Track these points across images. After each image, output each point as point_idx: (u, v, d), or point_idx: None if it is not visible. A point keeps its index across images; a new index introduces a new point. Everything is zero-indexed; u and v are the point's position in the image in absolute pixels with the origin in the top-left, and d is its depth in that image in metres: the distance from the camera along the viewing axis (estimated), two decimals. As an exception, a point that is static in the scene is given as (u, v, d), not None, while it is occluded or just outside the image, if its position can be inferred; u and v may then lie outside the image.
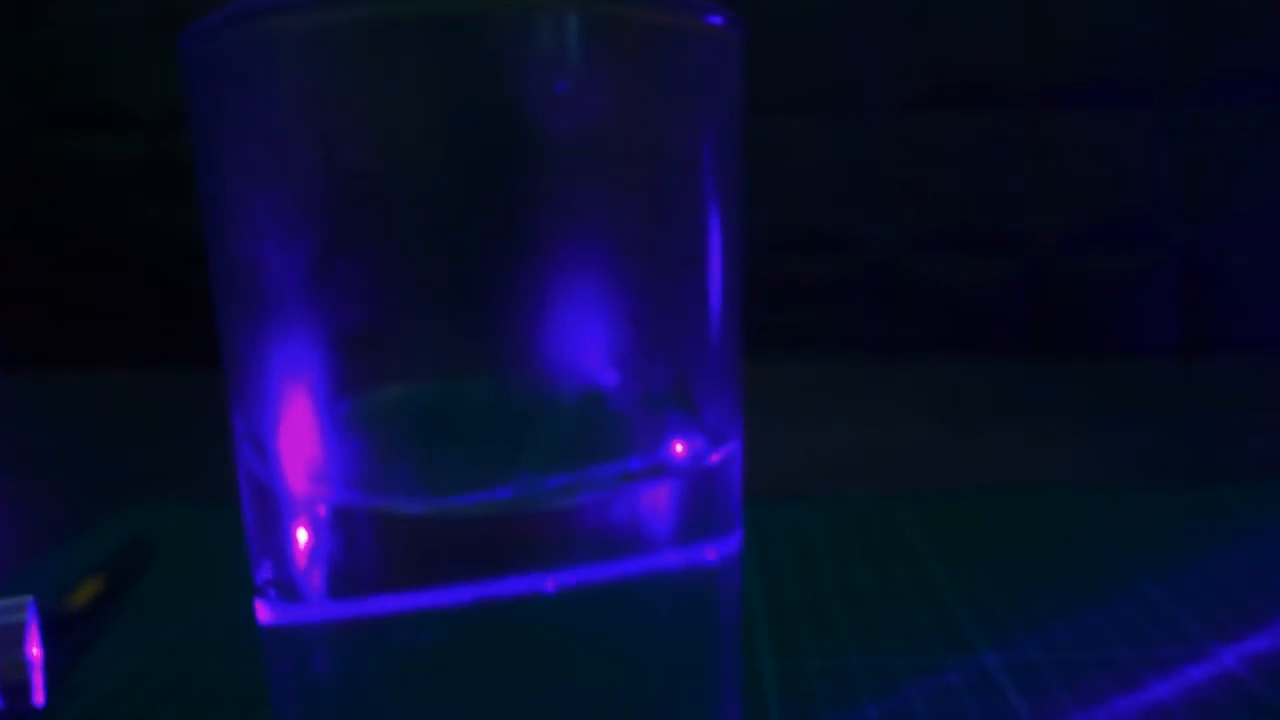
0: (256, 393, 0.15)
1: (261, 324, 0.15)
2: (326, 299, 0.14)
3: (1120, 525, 0.33)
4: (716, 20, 0.16)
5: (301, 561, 0.15)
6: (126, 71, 0.68)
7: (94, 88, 0.69)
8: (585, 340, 0.15)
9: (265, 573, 0.16)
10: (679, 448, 0.16)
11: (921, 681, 0.24)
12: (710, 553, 0.16)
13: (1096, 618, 0.27)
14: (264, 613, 0.16)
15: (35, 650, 0.14)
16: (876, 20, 0.63)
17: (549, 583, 0.15)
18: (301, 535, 0.15)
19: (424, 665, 0.15)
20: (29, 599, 0.15)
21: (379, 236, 0.14)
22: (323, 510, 0.15)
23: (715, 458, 0.16)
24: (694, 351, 0.16)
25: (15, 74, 0.69)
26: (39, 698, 0.15)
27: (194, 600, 0.31)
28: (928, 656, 0.25)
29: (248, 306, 0.15)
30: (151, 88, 0.68)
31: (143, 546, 0.34)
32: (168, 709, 0.25)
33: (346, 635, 0.15)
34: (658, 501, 0.16)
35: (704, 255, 0.16)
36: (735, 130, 0.16)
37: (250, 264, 0.15)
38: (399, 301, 0.15)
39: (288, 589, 0.15)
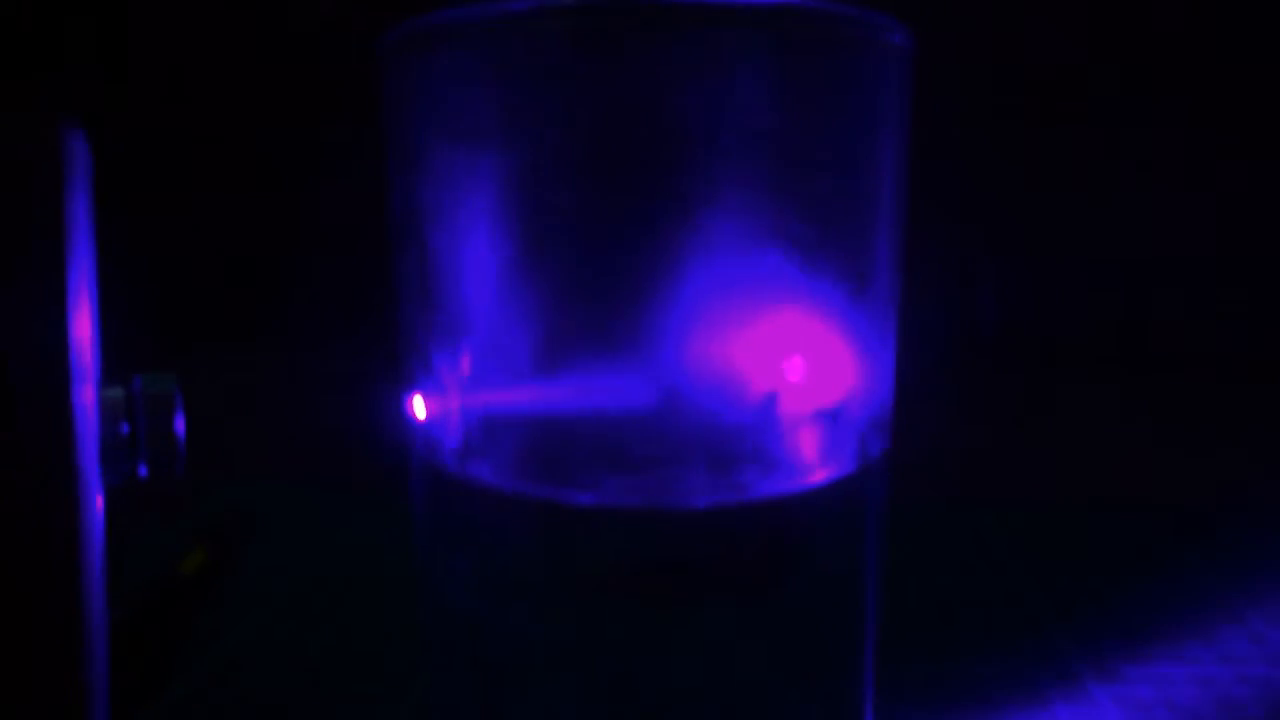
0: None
1: (451, 312, 0.16)
2: (522, 294, 0.15)
3: None
4: (890, 35, 0.16)
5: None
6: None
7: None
8: (744, 345, 0.16)
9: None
10: (825, 454, 0.17)
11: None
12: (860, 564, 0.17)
13: None
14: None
15: (180, 424, 0.16)
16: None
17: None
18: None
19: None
20: (173, 375, 0.16)
21: (572, 236, 0.15)
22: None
23: (857, 467, 0.17)
24: (853, 363, 0.17)
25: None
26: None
27: (293, 573, 0.32)
28: None
29: (440, 296, 0.16)
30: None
31: (244, 521, 0.36)
32: (282, 677, 0.26)
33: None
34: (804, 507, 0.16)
35: (872, 272, 0.16)
36: (902, 149, 0.17)
37: (454, 259, 0.16)
38: (581, 299, 0.15)
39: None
